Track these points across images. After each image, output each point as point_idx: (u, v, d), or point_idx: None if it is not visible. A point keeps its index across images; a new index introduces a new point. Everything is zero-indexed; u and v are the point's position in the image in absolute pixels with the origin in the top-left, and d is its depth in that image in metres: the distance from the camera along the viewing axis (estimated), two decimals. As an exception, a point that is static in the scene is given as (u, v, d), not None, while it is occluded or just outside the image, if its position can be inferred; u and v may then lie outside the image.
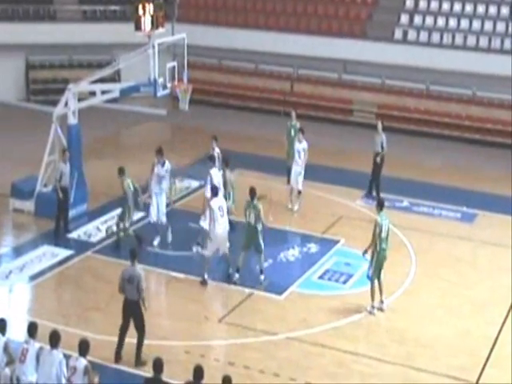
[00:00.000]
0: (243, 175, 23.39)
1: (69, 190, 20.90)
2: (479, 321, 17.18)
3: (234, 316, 17.04)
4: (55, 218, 20.52)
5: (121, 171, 19.88)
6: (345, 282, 18.71)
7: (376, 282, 17.23)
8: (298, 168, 22.40)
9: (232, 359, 15.44)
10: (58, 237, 20.32)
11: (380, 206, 17.36)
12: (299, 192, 22.45)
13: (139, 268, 15.05)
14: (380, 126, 23.78)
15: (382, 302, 17.40)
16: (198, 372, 11.86)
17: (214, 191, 18.35)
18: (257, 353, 15.70)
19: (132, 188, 19.78)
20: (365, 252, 17.30)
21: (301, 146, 22.38)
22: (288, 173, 23.06)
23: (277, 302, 17.75)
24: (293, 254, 20.07)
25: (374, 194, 23.46)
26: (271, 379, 14.89)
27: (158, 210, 20.12)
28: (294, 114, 24.44)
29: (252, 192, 18.33)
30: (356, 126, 31.33)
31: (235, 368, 14.99)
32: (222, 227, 18.00)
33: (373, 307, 17.28)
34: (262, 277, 18.42)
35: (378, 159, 23.60)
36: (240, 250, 18.37)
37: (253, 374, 14.95)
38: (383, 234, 16.98)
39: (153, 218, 20.15)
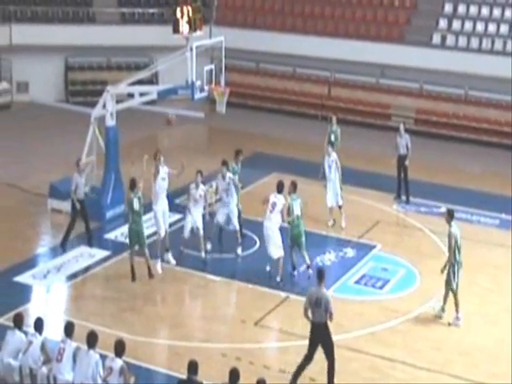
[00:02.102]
0: (280, 179, 23.32)
1: (85, 200, 20.11)
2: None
3: (270, 319, 17.02)
4: (66, 229, 19.95)
5: (132, 184, 18.76)
6: (381, 288, 18.62)
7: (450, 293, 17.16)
8: (330, 184, 21.77)
9: (267, 363, 15.41)
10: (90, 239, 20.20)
11: (450, 216, 17.26)
12: (340, 207, 21.98)
13: (325, 290, 14.75)
14: (402, 127, 23.67)
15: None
16: (234, 375, 11.85)
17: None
18: (292, 357, 15.62)
19: (137, 207, 18.47)
20: (444, 268, 17.15)
21: (331, 158, 21.89)
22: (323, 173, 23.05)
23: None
24: (329, 258, 20.00)
25: (404, 197, 23.37)
26: (306, 383, 14.82)
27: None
28: (334, 118, 24.31)
29: (293, 185, 18.86)
30: (394, 130, 31.08)
31: (270, 371, 14.96)
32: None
33: (457, 318, 17.07)
34: (311, 271, 18.60)
35: (407, 162, 23.47)
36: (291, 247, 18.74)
37: (288, 377, 14.86)
38: (458, 244, 16.98)
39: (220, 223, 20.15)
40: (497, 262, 20.26)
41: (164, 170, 19.51)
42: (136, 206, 18.33)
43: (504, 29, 32.14)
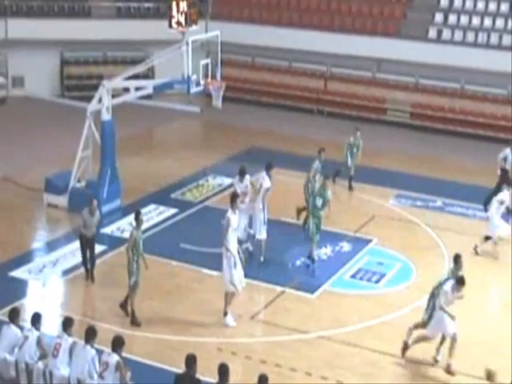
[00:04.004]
0: (278, 173, 23.32)
1: (95, 238, 18.52)
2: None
3: (266, 314, 17.04)
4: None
5: (137, 217, 16.78)
6: (377, 282, 18.64)
7: None
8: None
9: (264, 357, 15.41)
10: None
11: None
12: None
13: None
14: None
15: None
16: (263, 381, 11.79)
17: None
18: (288, 351, 15.66)
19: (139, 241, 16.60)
20: None
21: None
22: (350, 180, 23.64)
23: (309, 301, 17.71)
24: (325, 252, 20.00)
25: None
26: (303, 378, 14.86)
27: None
28: (359, 133, 24.16)
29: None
30: (389, 124, 31.22)
31: (267, 366, 14.97)
32: None
33: None
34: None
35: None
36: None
37: (284, 372, 14.92)
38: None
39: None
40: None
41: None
42: (141, 244, 16.62)
43: (500, 23, 32.14)
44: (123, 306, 16.59)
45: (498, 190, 21.88)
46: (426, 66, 31.37)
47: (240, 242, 18.61)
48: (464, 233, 21.43)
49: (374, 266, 19.37)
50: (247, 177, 19.25)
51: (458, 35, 32.25)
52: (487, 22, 32.49)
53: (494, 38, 31.63)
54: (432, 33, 32.73)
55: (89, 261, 18.30)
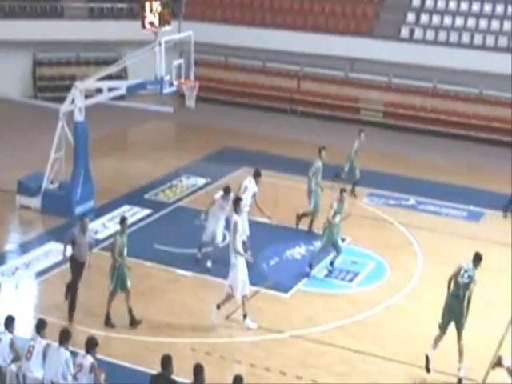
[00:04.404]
0: (251, 174, 23.36)
1: (85, 262, 16.74)
2: (485, 321, 17.08)
3: (241, 314, 17.04)
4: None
5: (123, 223, 16.60)
6: (351, 281, 18.71)
7: None
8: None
9: (238, 357, 15.44)
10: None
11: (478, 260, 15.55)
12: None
13: None
14: None
15: None
16: (238, 381, 11.80)
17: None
18: (263, 351, 15.70)
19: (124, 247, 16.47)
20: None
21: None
22: (354, 185, 23.56)
23: (282, 300, 17.75)
24: (299, 252, 20.06)
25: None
26: (277, 377, 14.89)
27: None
28: (363, 134, 23.92)
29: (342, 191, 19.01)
30: (363, 124, 31.30)
31: (241, 366, 15.02)
32: None
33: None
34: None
35: None
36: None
37: (259, 371, 14.95)
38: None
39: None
40: (465, 254, 20.08)
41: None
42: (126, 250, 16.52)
43: (471, 22, 32.40)
44: (130, 312, 16.42)
45: None
46: (399, 65, 31.52)
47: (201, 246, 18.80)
48: (437, 231, 21.58)
49: (348, 264, 19.43)
50: (231, 195, 18.88)
51: (430, 34, 32.45)
52: (459, 21, 32.72)
53: (465, 38, 31.84)
54: (404, 32, 32.92)
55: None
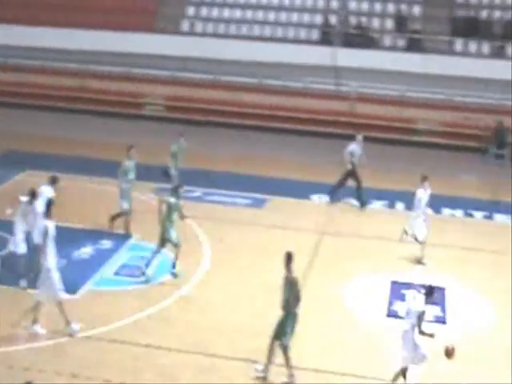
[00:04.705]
0: (32, 176, 22.87)
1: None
2: (273, 303, 17.50)
3: (27, 320, 16.63)
4: None
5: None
6: (140, 276, 18.65)
7: None
8: None
9: (26, 364, 15.06)
10: None
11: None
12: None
13: None
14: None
15: None
16: None
17: None
18: (53, 355, 15.38)
19: None
20: None
21: None
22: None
23: (72, 302, 17.41)
24: (86, 251, 19.82)
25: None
26: (68, 380, 14.62)
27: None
28: (182, 139, 23.87)
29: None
30: (147, 119, 31.44)
31: (30, 373, 14.64)
32: None
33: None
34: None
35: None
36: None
37: (49, 376, 14.62)
38: None
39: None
40: (252, 240, 20.93)
41: None
42: None
43: (250, 14, 33.30)
44: None
45: (343, 181, 23.64)
46: (181, 58, 31.82)
47: None
48: (223, 220, 21.93)
49: (137, 260, 19.38)
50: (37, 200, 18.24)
51: (210, 27, 33.01)
52: (238, 13, 33.51)
53: (244, 29, 32.63)
54: (185, 26, 33.26)
55: None
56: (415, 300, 14.30)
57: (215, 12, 33.94)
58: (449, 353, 13.92)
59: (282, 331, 14.63)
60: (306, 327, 15.49)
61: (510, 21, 33.27)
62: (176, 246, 18.64)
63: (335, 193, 23.99)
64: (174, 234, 18.63)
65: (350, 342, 16.29)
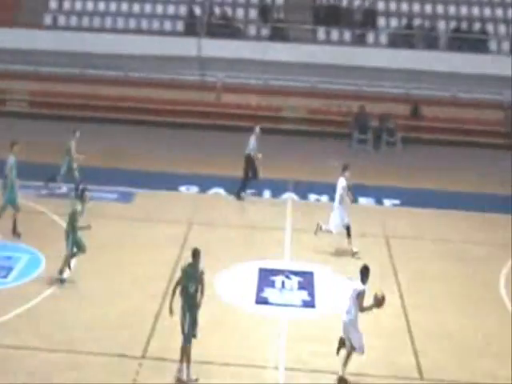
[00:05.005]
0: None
1: None
2: (142, 296, 17.60)
3: None
4: None
5: None
6: (6, 276, 18.35)
7: None
8: None
9: None
10: None
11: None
12: None
13: None
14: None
15: None
16: None
17: None
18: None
19: None
20: None
21: None
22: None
23: None
24: None
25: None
26: None
27: None
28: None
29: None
30: (10, 115, 30.81)
31: None
32: None
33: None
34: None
35: None
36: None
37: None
38: None
39: None
40: (121, 234, 20.89)
41: None
42: None
43: (114, 6, 33.14)
44: None
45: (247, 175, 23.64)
46: (41, 53, 31.29)
47: None
48: (96, 215, 21.36)
49: (2, 260, 19.01)
50: None
51: (74, 21, 32.67)
52: (102, 6, 33.27)
53: (109, 22, 32.47)
54: (48, 19, 32.78)
55: None
56: (352, 282, 14.79)
57: (78, 5, 33.54)
58: (378, 302, 14.28)
59: (195, 325, 14.51)
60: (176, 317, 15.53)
61: (370, 9, 34.21)
62: (78, 251, 18.39)
63: (243, 188, 24.10)
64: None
65: (221, 328, 16.46)
